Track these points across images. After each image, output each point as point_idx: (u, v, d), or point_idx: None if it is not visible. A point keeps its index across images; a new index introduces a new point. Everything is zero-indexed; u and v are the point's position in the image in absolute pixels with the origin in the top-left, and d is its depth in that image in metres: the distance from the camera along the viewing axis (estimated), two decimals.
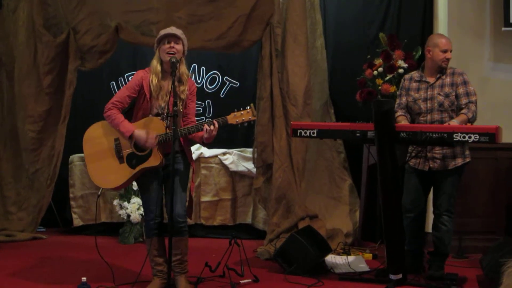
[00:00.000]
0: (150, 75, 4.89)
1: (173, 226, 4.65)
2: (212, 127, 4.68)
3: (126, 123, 4.86)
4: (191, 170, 5.01)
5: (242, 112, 4.73)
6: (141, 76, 4.95)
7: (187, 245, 5.00)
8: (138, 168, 4.83)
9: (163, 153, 4.80)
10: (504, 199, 6.46)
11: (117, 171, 4.90)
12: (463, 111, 5.26)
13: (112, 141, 4.94)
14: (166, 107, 4.80)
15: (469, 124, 5.01)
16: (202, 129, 4.74)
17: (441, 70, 5.40)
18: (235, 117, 4.72)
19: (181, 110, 4.83)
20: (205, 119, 7.84)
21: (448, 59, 5.38)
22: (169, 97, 4.77)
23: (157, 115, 4.84)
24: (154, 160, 4.78)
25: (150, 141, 4.75)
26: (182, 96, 4.86)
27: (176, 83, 4.80)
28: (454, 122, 5.13)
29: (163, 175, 4.92)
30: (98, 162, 4.99)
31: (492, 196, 6.47)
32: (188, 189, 5.04)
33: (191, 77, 5.10)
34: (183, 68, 4.91)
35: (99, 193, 6.77)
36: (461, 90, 5.31)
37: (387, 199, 5.10)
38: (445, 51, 5.37)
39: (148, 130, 4.79)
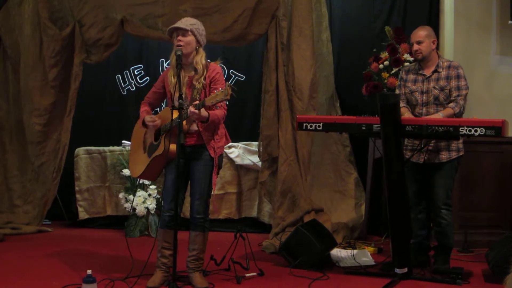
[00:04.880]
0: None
1: (176, 220, 4.68)
2: (192, 109, 4.58)
3: (144, 113, 5.08)
4: (212, 163, 4.93)
5: (216, 93, 4.56)
6: (165, 73, 5.09)
7: (205, 241, 4.99)
8: (152, 157, 4.92)
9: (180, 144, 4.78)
10: (510, 193, 6.45)
11: (141, 160, 5.08)
12: (450, 104, 5.28)
13: (143, 134, 5.14)
14: (186, 99, 4.82)
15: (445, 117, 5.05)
16: (186, 117, 4.70)
17: (435, 63, 5.42)
18: (211, 99, 4.57)
19: (197, 98, 4.80)
20: None
21: (417, 51, 5.40)
22: (186, 88, 4.82)
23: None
24: (160, 148, 4.84)
25: (153, 123, 4.93)
26: (197, 85, 4.84)
27: (192, 73, 4.89)
28: (439, 116, 5.16)
29: (188, 168, 4.92)
30: (134, 154, 5.27)
31: (498, 190, 6.45)
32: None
33: (217, 63, 5.07)
34: (198, 58, 4.90)
35: (137, 182, 6.91)
36: (453, 83, 5.32)
37: (393, 193, 5.09)
38: (412, 44, 5.44)
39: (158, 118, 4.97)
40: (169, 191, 4.91)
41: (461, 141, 5.36)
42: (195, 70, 4.89)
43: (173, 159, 4.82)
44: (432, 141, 5.30)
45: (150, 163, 4.95)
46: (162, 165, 4.97)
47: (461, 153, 5.39)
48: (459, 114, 5.25)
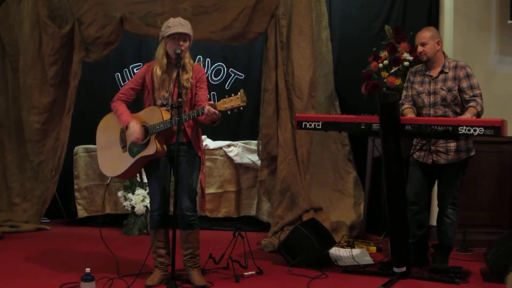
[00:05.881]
0: (155, 66, 4.91)
1: (175, 219, 4.67)
2: (212, 109, 4.55)
3: (125, 115, 4.95)
4: (199, 161, 4.95)
5: (231, 98, 4.55)
6: (145, 69, 5.01)
7: (198, 238, 4.99)
8: (137, 157, 4.86)
9: (168, 143, 4.80)
10: (509, 192, 6.44)
11: (121, 159, 4.97)
12: (471, 104, 5.20)
13: (119, 131, 5.03)
14: (170, 98, 4.81)
15: (474, 117, 5.01)
16: (196, 116, 4.68)
17: (441, 64, 5.40)
18: (224, 103, 4.55)
19: (185, 99, 4.81)
20: None
21: (421, 53, 5.38)
22: (173, 87, 4.78)
23: (162, 106, 4.84)
24: (151, 149, 4.79)
25: (137, 137, 4.82)
26: (186, 85, 4.83)
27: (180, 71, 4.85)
28: (467, 116, 5.07)
29: (172, 167, 4.92)
30: (106, 151, 5.12)
31: (497, 189, 6.44)
32: (198, 180, 4.99)
33: (199, 64, 5.07)
34: (186, 58, 4.89)
35: (107, 181, 6.89)
36: (464, 84, 5.28)
37: (392, 192, 5.08)
38: (417, 46, 5.42)
39: (140, 125, 4.86)
40: (156, 190, 4.91)
41: (471, 141, 5.36)
42: (184, 69, 4.86)
43: (156, 158, 4.84)
44: (442, 142, 5.30)
45: (134, 163, 4.90)
46: (144, 165, 4.96)
47: (471, 154, 5.37)
48: (481, 113, 5.20)
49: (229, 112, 4.61)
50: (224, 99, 4.57)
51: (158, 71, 4.88)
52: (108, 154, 5.11)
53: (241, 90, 4.54)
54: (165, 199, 4.87)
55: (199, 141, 4.98)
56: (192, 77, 4.88)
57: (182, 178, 4.85)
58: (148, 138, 4.83)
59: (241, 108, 4.57)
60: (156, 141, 4.77)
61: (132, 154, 4.90)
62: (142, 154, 4.84)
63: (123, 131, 5.00)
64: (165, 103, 4.82)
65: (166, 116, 4.72)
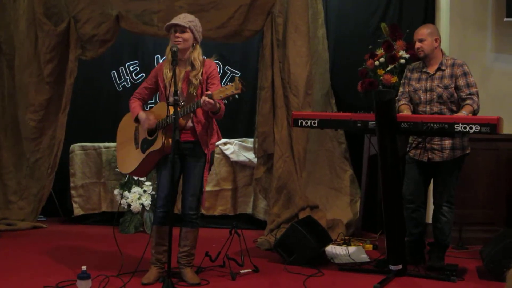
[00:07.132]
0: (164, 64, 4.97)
1: (172, 217, 4.68)
2: (207, 99, 4.57)
3: (137, 108, 5.06)
4: (205, 159, 4.96)
5: (226, 87, 4.59)
6: (157, 68, 5.09)
7: (196, 237, 5.01)
8: (147, 152, 4.90)
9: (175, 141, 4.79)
10: (505, 190, 6.45)
11: (134, 156, 5.06)
12: (467, 102, 5.22)
13: (133, 130, 5.12)
14: (181, 95, 4.83)
15: (470, 115, 5.02)
16: (196, 107, 4.72)
17: (439, 61, 5.41)
18: (220, 92, 4.59)
19: (194, 94, 4.83)
20: None
21: (418, 49, 5.41)
22: (181, 84, 4.83)
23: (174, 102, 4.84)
24: (157, 143, 4.82)
25: (148, 121, 4.89)
26: (195, 81, 4.85)
27: (189, 68, 4.89)
28: (463, 114, 5.09)
29: (182, 165, 4.93)
30: (123, 150, 5.24)
31: (493, 187, 6.45)
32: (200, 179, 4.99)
33: (213, 59, 5.09)
34: (195, 54, 4.91)
35: (125, 179, 6.89)
36: (461, 81, 5.29)
37: (388, 190, 5.09)
38: (415, 42, 5.43)
39: (151, 113, 4.93)
40: (163, 187, 4.91)
41: (466, 139, 5.37)
42: (192, 66, 4.90)
43: (168, 154, 4.83)
44: (437, 140, 5.31)
45: (144, 159, 4.94)
46: (156, 161, 4.97)
47: (467, 151, 5.38)
48: (477, 112, 5.21)
49: (225, 101, 4.69)
50: (220, 88, 4.63)
51: (165, 69, 4.95)
52: (124, 153, 5.22)
53: (236, 78, 4.59)
54: (172, 197, 4.86)
55: (210, 138, 4.97)
56: (202, 73, 4.90)
57: (187, 177, 4.92)
58: (156, 134, 4.87)
59: (236, 96, 4.62)
60: (163, 136, 4.79)
61: (143, 150, 4.96)
62: (151, 149, 4.88)
63: (137, 129, 5.08)
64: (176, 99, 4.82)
65: (172, 111, 4.72)
